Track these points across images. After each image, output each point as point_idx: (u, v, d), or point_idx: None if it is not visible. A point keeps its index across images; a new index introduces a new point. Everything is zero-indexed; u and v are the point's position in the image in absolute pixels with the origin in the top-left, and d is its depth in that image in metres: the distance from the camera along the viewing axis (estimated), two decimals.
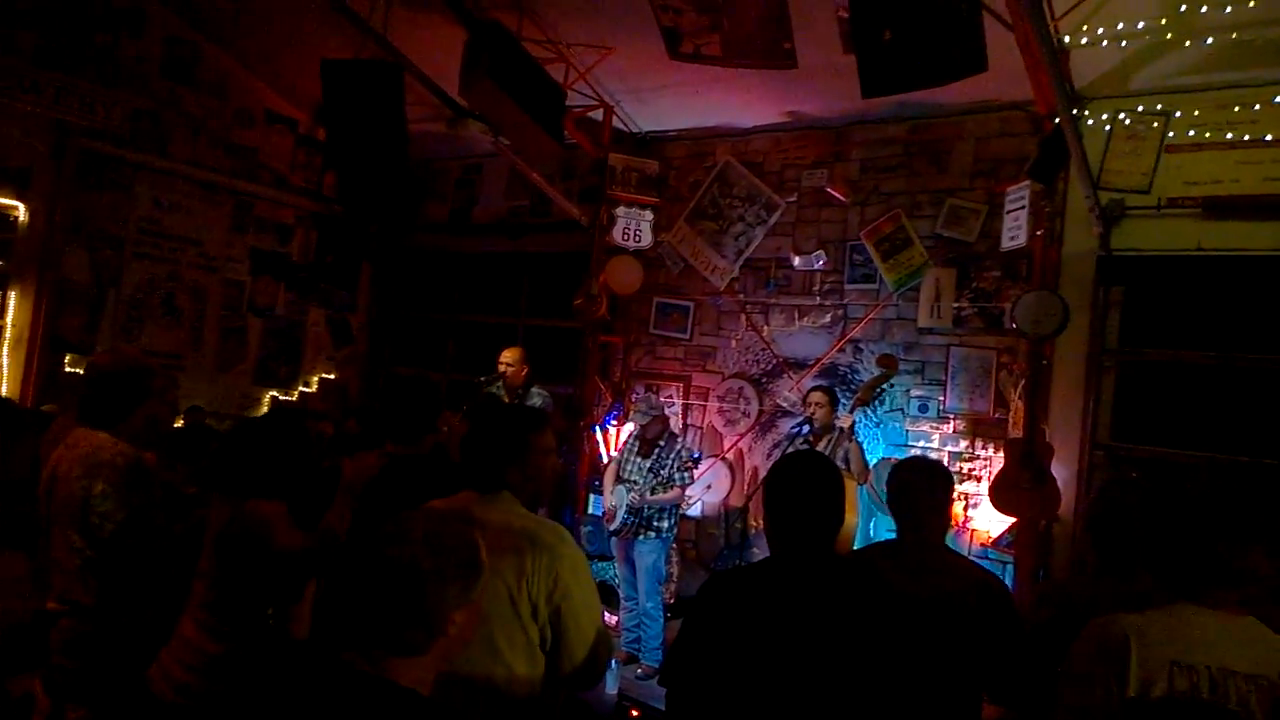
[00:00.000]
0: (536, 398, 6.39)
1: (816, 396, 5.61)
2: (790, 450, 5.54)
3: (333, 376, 9.30)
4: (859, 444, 5.52)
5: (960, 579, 2.86)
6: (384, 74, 5.71)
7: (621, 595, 5.96)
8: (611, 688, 5.18)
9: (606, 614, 6.17)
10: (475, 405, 5.44)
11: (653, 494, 5.61)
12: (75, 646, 2.82)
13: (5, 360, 7.10)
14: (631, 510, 5.62)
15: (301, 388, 9.09)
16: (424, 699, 1.56)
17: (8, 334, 7.12)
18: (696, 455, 6.45)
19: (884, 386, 6.01)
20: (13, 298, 7.13)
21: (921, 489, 2.96)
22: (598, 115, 7.24)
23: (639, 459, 5.79)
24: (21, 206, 7.09)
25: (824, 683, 2.04)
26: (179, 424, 7.20)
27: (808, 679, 2.05)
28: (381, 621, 1.54)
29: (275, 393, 8.87)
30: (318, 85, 5.79)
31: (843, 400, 6.04)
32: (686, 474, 5.77)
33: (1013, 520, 5.63)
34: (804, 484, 2.29)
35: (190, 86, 7.96)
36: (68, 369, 7.31)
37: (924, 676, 2.17)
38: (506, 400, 6.40)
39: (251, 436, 3.03)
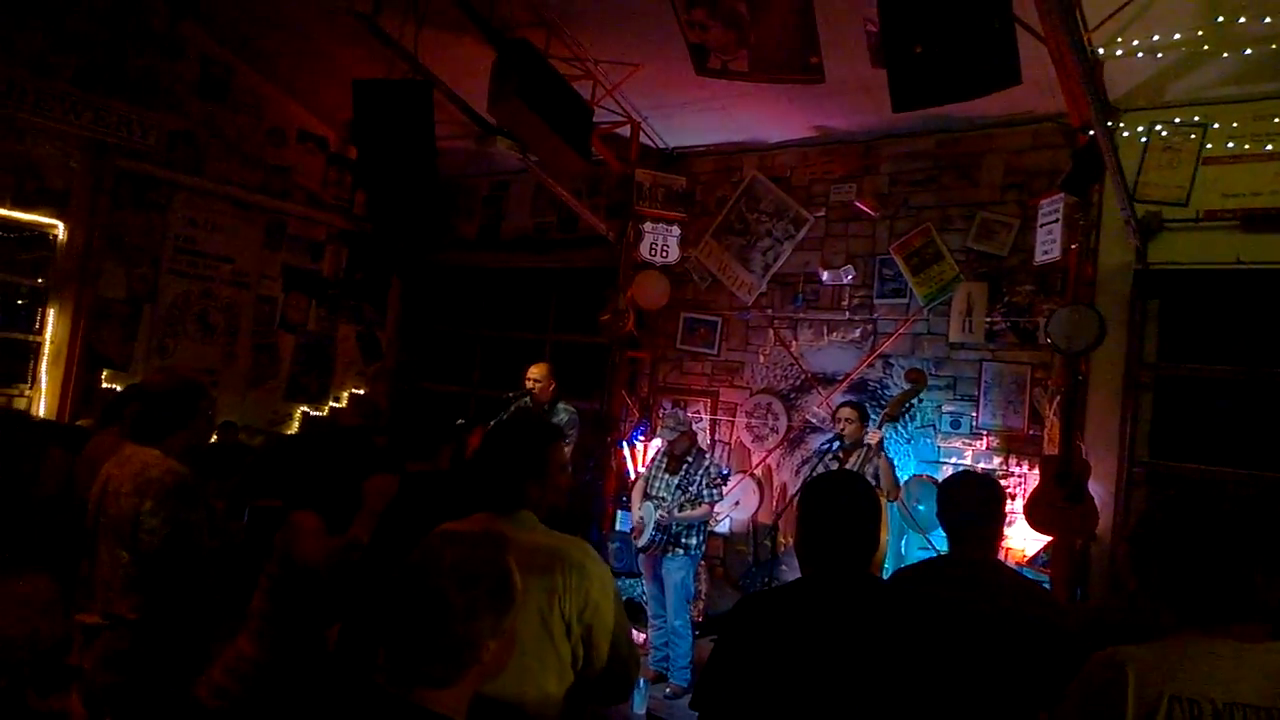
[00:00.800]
0: (563, 413, 6.38)
1: (846, 412, 5.55)
2: (820, 466, 5.50)
3: (363, 392, 9.36)
4: (889, 460, 5.45)
5: (1019, 597, 2.79)
6: (414, 93, 5.76)
7: (649, 613, 5.91)
8: (639, 707, 5.13)
9: (635, 632, 6.13)
10: (497, 421, 5.44)
11: (680, 511, 5.56)
12: (116, 660, 2.85)
13: (44, 375, 7.23)
14: (659, 527, 5.57)
15: (332, 403, 9.17)
16: None
17: (46, 349, 7.26)
18: (725, 471, 6.41)
19: (913, 401, 5.94)
20: (52, 314, 7.27)
21: (974, 503, 2.90)
22: (625, 131, 7.26)
23: (667, 475, 5.76)
24: (61, 225, 7.23)
25: (864, 706, 2.00)
26: (213, 439, 7.27)
27: (848, 702, 2.00)
28: (414, 654, 1.50)
29: (306, 408, 8.95)
30: (349, 104, 5.85)
31: (872, 416, 5.98)
32: (715, 490, 5.71)
33: (1049, 539, 5.53)
34: (841, 504, 2.24)
35: (225, 106, 8.09)
36: (104, 384, 7.42)
37: (971, 697, 2.12)
38: None
39: (317, 449, 3.11)
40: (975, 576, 2.79)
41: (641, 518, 5.69)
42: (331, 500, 3.08)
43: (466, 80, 6.47)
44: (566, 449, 6.33)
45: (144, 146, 7.46)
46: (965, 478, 3.10)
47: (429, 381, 9.52)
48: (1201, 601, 1.78)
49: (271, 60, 8.06)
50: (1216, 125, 5.24)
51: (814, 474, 5.46)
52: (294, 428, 8.84)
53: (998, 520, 2.91)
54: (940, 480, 5.23)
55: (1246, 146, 5.16)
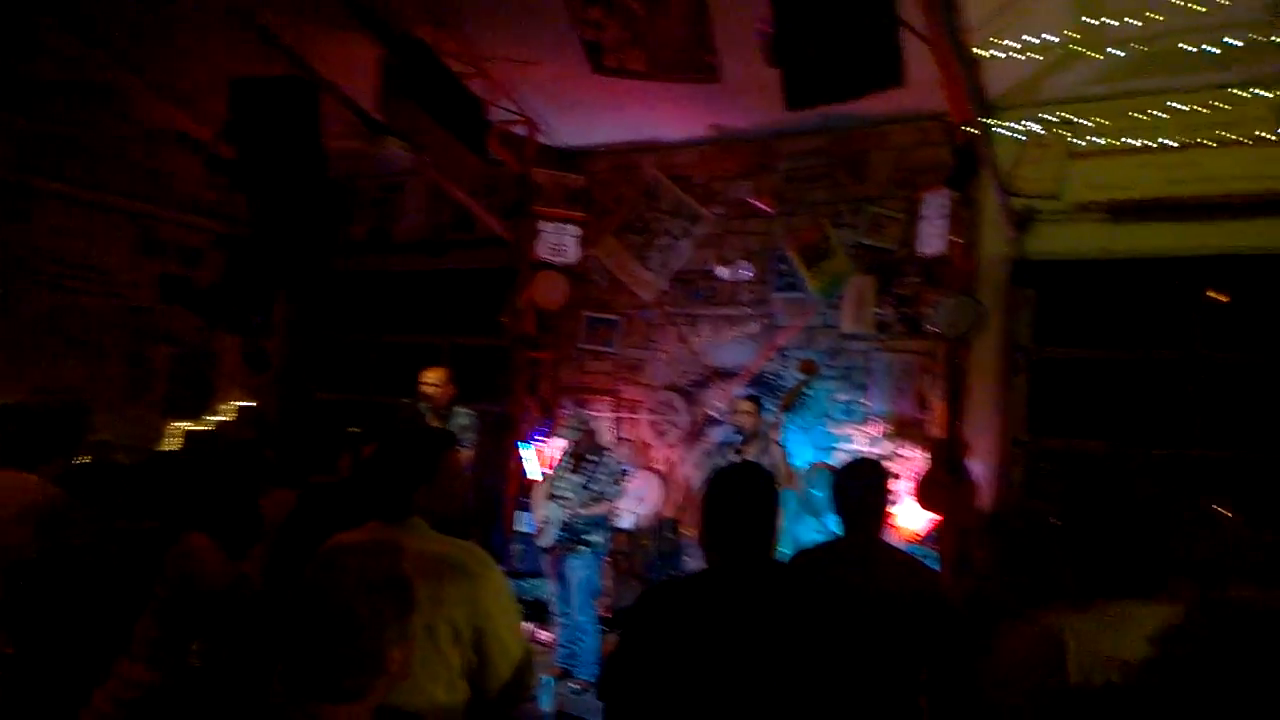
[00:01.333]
0: (462, 417, 6.31)
1: (744, 405, 5.72)
2: (720, 459, 5.63)
3: (250, 404, 9.00)
4: (784, 449, 5.63)
5: (904, 574, 2.96)
6: (297, 91, 5.58)
7: (555, 611, 5.91)
8: (547, 704, 5.12)
9: (541, 630, 6.12)
10: (390, 428, 5.34)
11: (584, 508, 5.59)
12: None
13: None
14: (563, 526, 5.59)
15: (216, 417, 8.77)
16: None
17: None
18: (628, 468, 6.46)
19: (806, 391, 6.14)
20: None
21: (866, 489, 3.06)
22: (521, 130, 7.22)
23: (569, 474, 5.77)
24: None
25: (771, 687, 2.05)
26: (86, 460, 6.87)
27: (755, 684, 2.05)
28: (321, 670, 1.46)
29: (188, 423, 8.54)
30: (224, 103, 5.62)
31: (769, 407, 6.13)
32: (618, 488, 5.78)
33: (937, 517, 5.77)
34: (742, 495, 2.31)
35: (90, 108, 7.64)
36: None
37: (870, 673, 2.20)
38: (433, 422, 6.30)
39: (183, 467, 2.98)
40: (866, 556, 2.96)
41: (546, 518, 5.69)
42: (223, 519, 2.93)
43: (354, 79, 6.32)
44: (466, 453, 6.29)
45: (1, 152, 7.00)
46: (855, 465, 3.28)
47: (323, 391, 9.22)
48: (1121, 575, 1.93)
49: (142, 59, 7.64)
50: (1085, 122, 5.54)
51: (715, 467, 5.61)
52: (175, 444, 8.43)
53: (884, 503, 3.09)
54: (834, 466, 5.41)
55: (1113, 141, 5.48)
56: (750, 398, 5.80)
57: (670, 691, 2.10)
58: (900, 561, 3.08)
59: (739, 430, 5.68)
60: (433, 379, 6.30)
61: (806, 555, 3.25)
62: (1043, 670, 1.85)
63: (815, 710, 2.04)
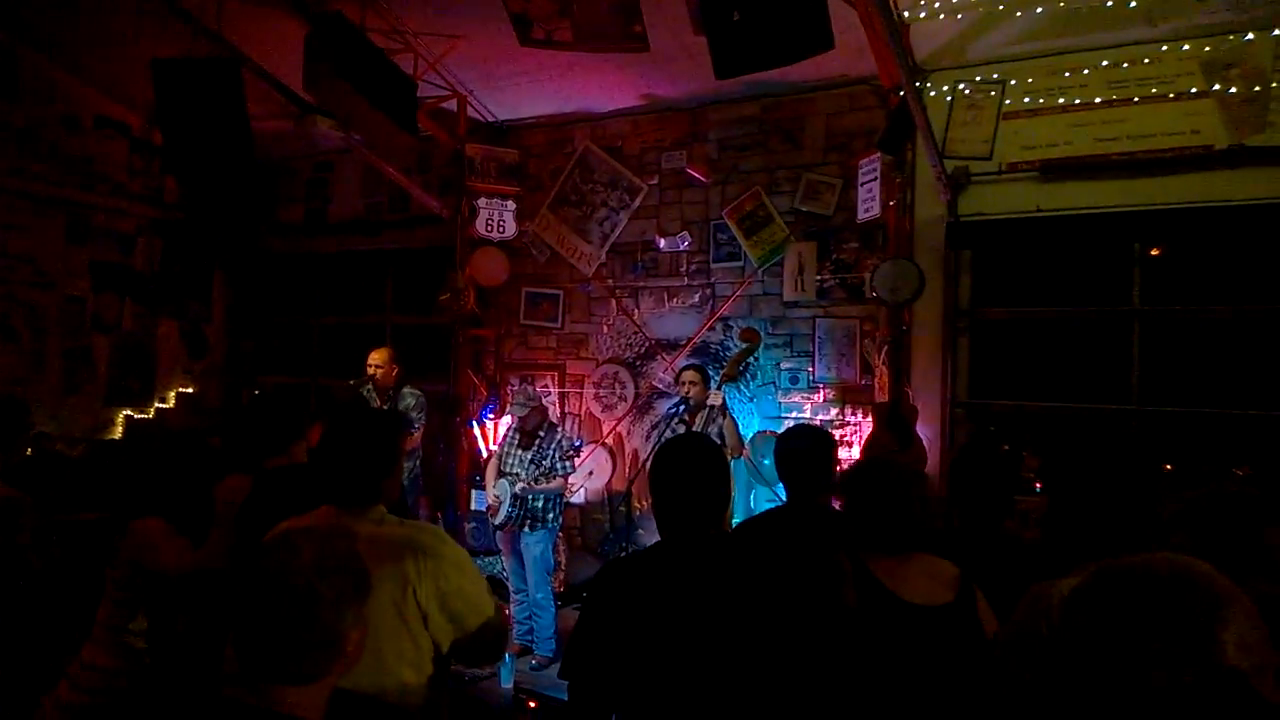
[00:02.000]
0: (409, 397, 6.27)
1: (689, 375, 5.70)
2: (667, 430, 5.63)
3: (191, 390, 8.86)
4: (733, 418, 5.65)
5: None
6: (220, 71, 5.45)
7: (511, 588, 5.90)
8: (507, 681, 5.13)
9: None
10: (337, 411, 5.28)
11: (536, 484, 5.57)
12: None
13: None
14: (516, 503, 5.57)
15: (158, 404, 8.63)
16: None
17: None
18: (578, 443, 6.44)
19: (749, 360, 6.16)
20: None
21: (809, 455, 3.08)
22: (451, 106, 7.09)
23: (520, 451, 5.74)
24: None
25: (727, 659, 2.07)
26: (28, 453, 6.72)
27: (711, 657, 2.07)
28: (278, 652, 1.45)
29: (130, 411, 8.39)
30: (149, 86, 5.46)
31: (714, 377, 6.14)
32: (569, 463, 5.75)
33: None
34: (689, 467, 2.30)
35: (10, 95, 7.38)
36: None
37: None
38: (379, 403, 6.24)
39: (125, 457, 3.02)
40: (809, 522, 2.98)
41: (498, 495, 5.66)
42: (173, 505, 2.99)
43: (279, 57, 6.18)
44: (416, 434, 6.25)
45: None
46: (798, 430, 3.29)
47: (266, 374, 9.10)
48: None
49: (59, 42, 7.38)
50: (1014, 82, 5.58)
51: (662, 438, 5.62)
52: (118, 434, 8.28)
53: (830, 468, 3.12)
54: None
55: (1041, 100, 5.52)
56: (694, 368, 5.79)
57: (630, 666, 2.12)
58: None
59: (684, 401, 5.68)
60: (376, 359, 6.28)
61: (752, 523, 3.28)
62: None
63: (768, 680, 2.06)
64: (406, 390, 6.32)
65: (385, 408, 6.13)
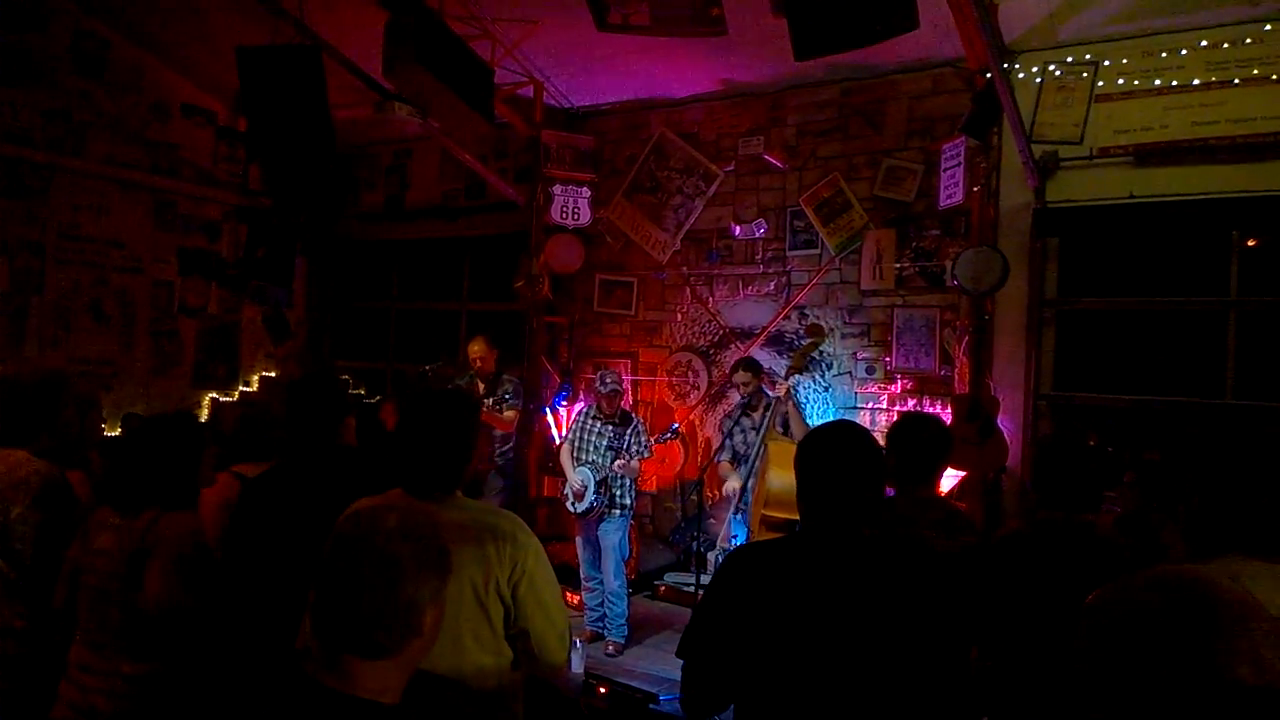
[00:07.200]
0: (509, 383, 6.32)
1: (740, 376, 5.74)
2: (734, 425, 5.61)
3: (274, 374, 9.08)
4: (798, 407, 5.60)
5: (952, 527, 2.94)
6: (303, 58, 5.52)
7: (583, 575, 5.92)
8: (577, 666, 5.14)
9: (568, 594, 6.13)
10: (413, 398, 5.33)
11: (616, 471, 5.57)
12: (7, 669, 2.72)
13: None
14: (600, 489, 5.59)
15: (242, 387, 8.87)
16: (385, 709, 1.45)
17: None
18: (675, 427, 6.38)
19: (814, 355, 6.09)
20: None
21: (925, 445, 3.05)
22: (528, 92, 7.11)
23: (596, 438, 5.74)
24: None
25: (871, 648, 2.00)
26: (116, 433, 6.95)
27: (854, 646, 2.00)
28: (355, 621, 1.42)
29: (215, 394, 8.64)
30: (235, 74, 5.58)
31: (785, 363, 6.07)
32: (647, 447, 5.78)
33: (963, 474, 5.69)
34: (841, 455, 2.17)
35: (102, 82, 7.63)
36: None
37: (951, 632, 2.15)
38: (481, 391, 6.26)
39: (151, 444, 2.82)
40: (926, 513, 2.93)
41: (582, 482, 5.67)
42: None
43: (359, 44, 6.25)
44: (511, 414, 6.29)
45: (15, 128, 7.02)
46: (914, 419, 3.23)
47: (343, 359, 9.28)
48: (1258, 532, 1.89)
49: (148, 30, 7.60)
50: (1107, 63, 5.37)
51: (730, 432, 5.59)
52: (204, 416, 8.53)
53: (945, 459, 3.05)
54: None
55: (1136, 83, 5.30)
56: (744, 365, 5.76)
57: (760, 657, 2.06)
58: (955, 514, 3.07)
59: (742, 395, 5.67)
60: (477, 350, 6.34)
61: None
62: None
63: (899, 669, 2.01)
64: (505, 376, 6.38)
65: (488, 397, 6.17)
